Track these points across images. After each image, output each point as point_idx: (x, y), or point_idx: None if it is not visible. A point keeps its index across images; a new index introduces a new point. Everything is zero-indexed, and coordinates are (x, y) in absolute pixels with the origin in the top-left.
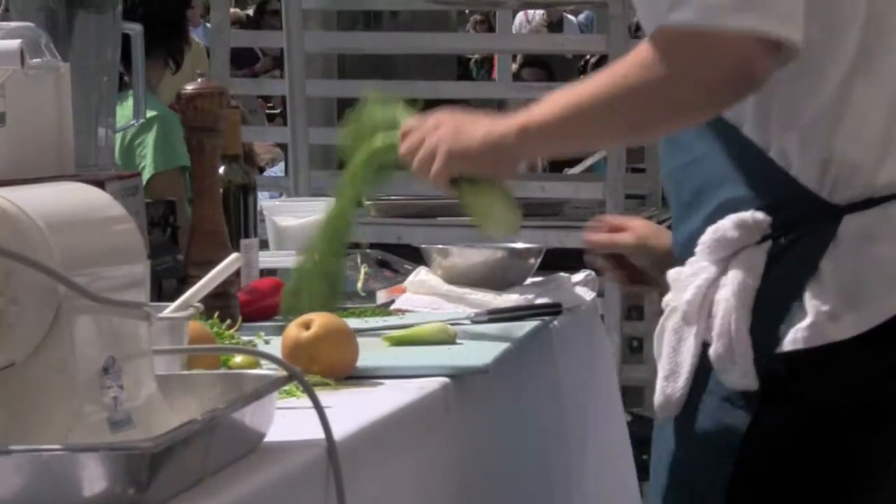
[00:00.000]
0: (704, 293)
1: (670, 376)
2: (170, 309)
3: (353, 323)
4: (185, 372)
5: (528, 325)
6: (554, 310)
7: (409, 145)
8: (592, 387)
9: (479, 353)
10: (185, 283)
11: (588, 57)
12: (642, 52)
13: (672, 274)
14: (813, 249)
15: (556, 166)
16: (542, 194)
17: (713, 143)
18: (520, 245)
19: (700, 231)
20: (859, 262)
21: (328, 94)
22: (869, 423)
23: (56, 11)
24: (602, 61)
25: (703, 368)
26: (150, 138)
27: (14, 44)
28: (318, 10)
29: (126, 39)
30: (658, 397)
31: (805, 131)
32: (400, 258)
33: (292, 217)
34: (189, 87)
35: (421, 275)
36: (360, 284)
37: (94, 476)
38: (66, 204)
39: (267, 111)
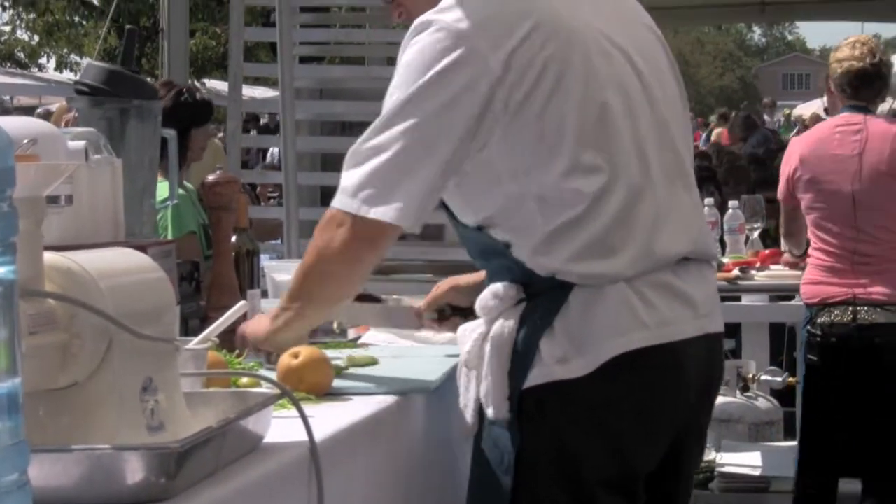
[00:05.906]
0: (480, 345)
1: (465, 408)
2: (194, 342)
3: (330, 353)
4: (204, 390)
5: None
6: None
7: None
8: None
9: (426, 374)
10: (205, 322)
11: None
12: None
13: (460, 330)
14: (549, 311)
15: None
16: None
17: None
18: None
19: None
20: (583, 321)
21: (314, 183)
22: (604, 440)
23: (112, 120)
24: None
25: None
26: (168, 213)
27: (80, 144)
28: (306, 120)
29: (164, 141)
30: (463, 422)
31: (533, 251)
32: None
33: (286, 274)
34: (210, 177)
35: None
36: (335, 325)
37: (134, 469)
38: (117, 264)
39: (269, 195)
